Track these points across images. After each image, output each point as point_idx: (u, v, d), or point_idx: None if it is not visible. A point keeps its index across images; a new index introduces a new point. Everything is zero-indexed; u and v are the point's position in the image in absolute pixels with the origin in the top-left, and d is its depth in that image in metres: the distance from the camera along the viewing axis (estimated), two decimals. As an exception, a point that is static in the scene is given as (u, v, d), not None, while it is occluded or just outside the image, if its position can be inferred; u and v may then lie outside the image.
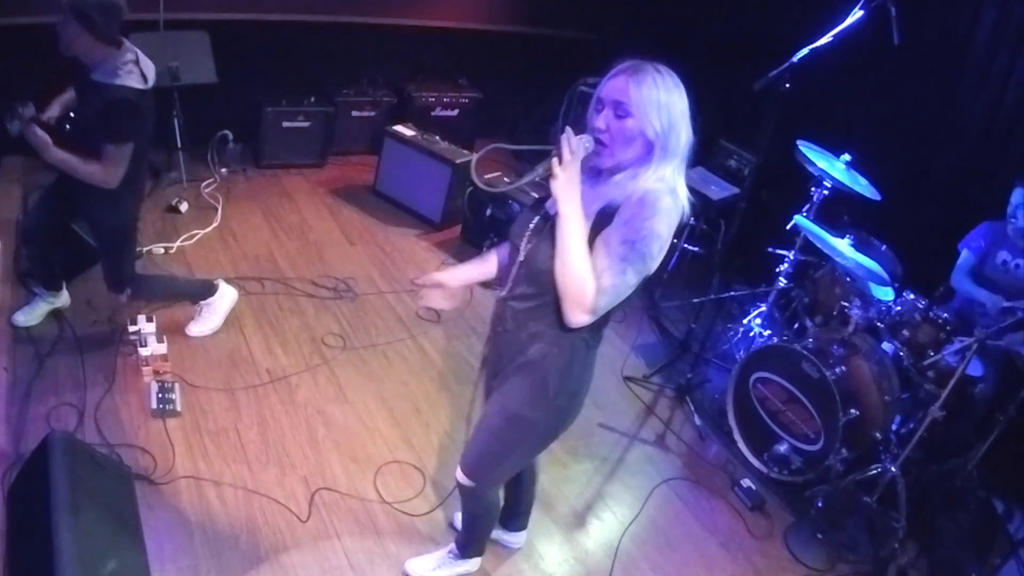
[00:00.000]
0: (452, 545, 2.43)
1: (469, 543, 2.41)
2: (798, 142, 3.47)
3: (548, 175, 1.61)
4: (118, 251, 2.95)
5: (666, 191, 1.64)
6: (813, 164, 3.44)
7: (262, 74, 4.75)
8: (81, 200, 2.81)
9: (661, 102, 1.62)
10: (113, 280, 2.99)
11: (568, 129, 1.61)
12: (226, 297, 3.37)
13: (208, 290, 3.31)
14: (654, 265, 1.65)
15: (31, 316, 3.15)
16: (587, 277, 1.60)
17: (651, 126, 1.63)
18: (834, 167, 3.42)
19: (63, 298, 3.27)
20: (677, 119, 1.65)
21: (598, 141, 1.65)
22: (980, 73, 3.63)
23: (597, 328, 1.83)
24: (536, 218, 1.79)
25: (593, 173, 1.74)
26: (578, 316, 1.63)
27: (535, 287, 1.78)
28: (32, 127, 2.52)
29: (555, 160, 1.59)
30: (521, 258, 1.80)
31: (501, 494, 2.32)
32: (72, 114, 2.74)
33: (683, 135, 1.67)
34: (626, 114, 1.63)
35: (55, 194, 2.93)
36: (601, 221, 1.66)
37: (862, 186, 3.39)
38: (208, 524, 2.46)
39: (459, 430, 3.01)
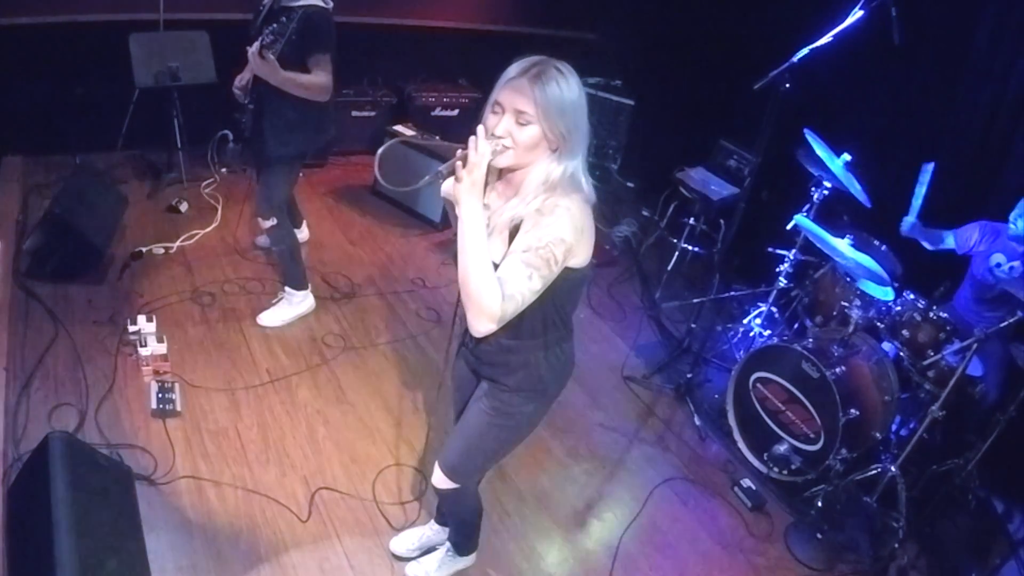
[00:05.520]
0: (448, 544, 2.44)
1: (464, 541, 2.42)
2: (805, 130, 3.47)
3: (450, 175, 1.52)
4: (278, 176, 3.18)
5: (565, 195, 1.61)
6: (813, 161, 3.43)
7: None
8: (264, 137, 3.03)
9: (565, 107, 1.57)
10: (264, 202, 3.21)
11: (480, 128, 1.54)
12: (307, 302, 3.58)
13: (302, 282, 3.52)
14: (558, 269, 1.60)
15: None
16: (492, 285, 1.51)
17: (556, 131, 1.59)
18: (834, 164, 3.42)
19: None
20: (580, 119, 1.61)
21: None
22: (981, 73, 3.63)
23: (564, 322, 1.82)
24: None
25: (504, 178, 1.68)
26: (483, 324, 1.54)
27: None
28: (258, 58, 2.74)
29: (459, 163, 1.52)
30: None
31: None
32: (266, 53, 2.82)
33: (584, 130, 1.63)
34: (527, 122, 1.58)
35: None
36: (513, 233, 1.62)
37: (856, 190, 3.40)
38: (208, 524, 2.46)
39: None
